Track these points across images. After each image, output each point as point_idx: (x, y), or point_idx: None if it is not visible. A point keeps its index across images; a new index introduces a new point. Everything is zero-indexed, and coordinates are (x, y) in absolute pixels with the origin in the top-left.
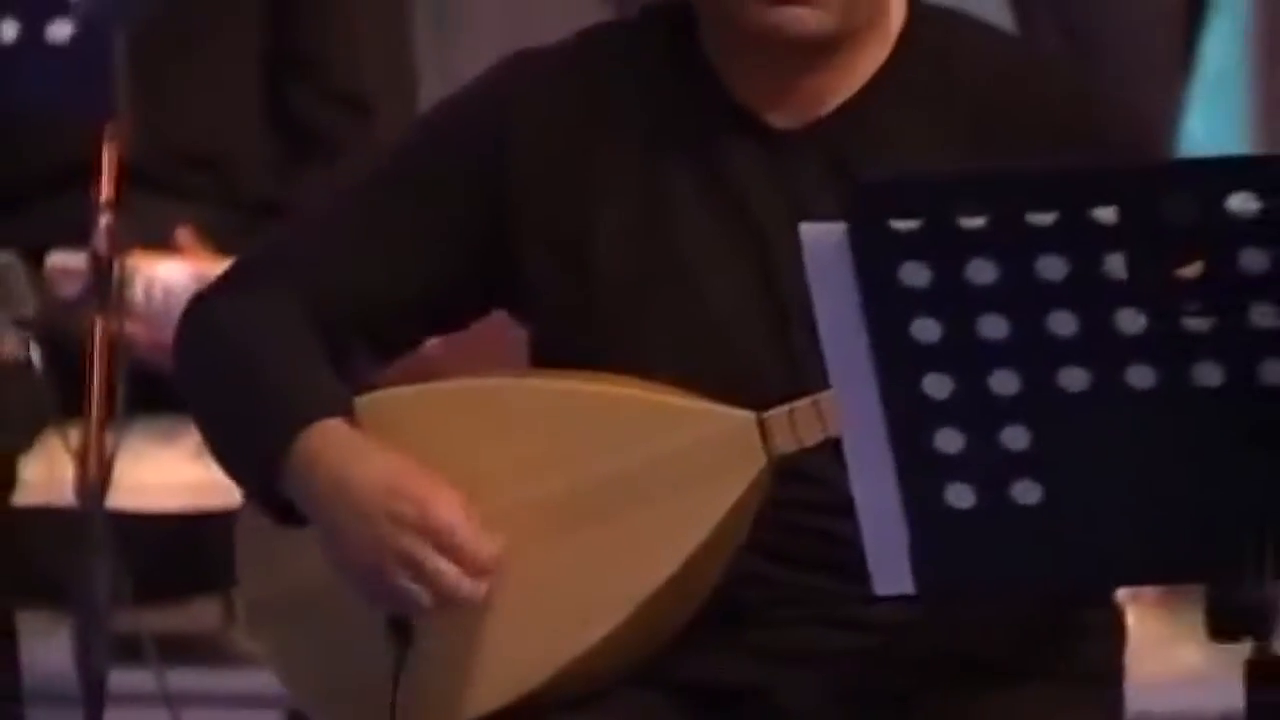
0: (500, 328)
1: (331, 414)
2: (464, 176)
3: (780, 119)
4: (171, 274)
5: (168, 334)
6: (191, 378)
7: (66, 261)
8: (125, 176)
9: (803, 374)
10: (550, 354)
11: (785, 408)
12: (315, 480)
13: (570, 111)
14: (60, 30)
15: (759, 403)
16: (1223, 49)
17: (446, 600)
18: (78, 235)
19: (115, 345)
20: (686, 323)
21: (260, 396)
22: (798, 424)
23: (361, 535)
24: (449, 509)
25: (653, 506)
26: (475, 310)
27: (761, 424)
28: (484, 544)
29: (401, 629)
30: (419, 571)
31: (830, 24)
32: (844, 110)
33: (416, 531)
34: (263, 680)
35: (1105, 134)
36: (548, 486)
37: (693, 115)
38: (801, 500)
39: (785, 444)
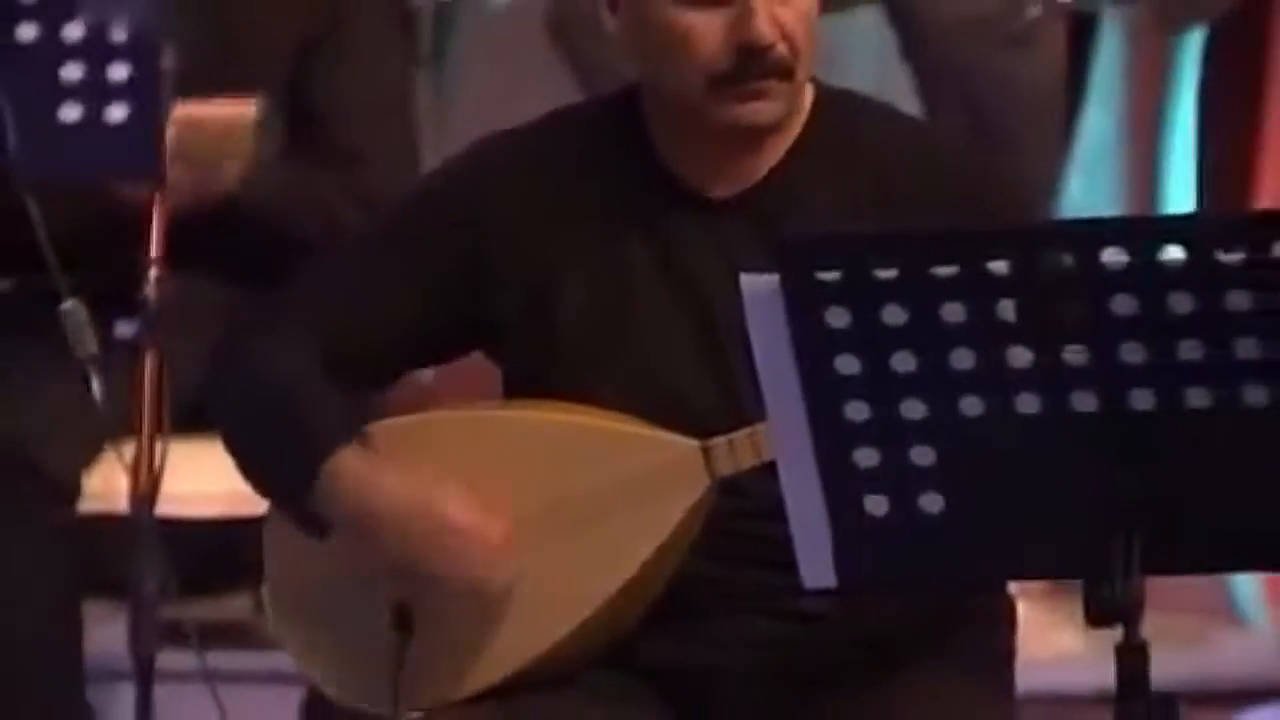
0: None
1: (347, 441)
2: (447, 245)
3: (716, 190)
4: (201, 111)
5: (202, 171)
6: (224, 410)
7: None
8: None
9: (739, 408)
10: (519, 389)
11: (725, 438)
12: (347, 504)
13: (535, 188)
14: (117, 112)
15: (703, 433)
16: (1098, 125)
17: (476, 583)
18: (131, 285)
19: (162, 374)
20: (640, 366)
21: (285, 435)
22: (736, 451)
23: (398, 544)
24: (466, 510)
25: (613, 520)
26: (457, 352)
27: (705, 451)
28: (495, 531)
29: (404, 620)
30: (461, 570)
31: (781, 113)
32: (769, 180)
33: (451, 534)
34: (287, 661)
35: (988, 201)
36: (525, 502)
37: (641, 189)
38: (737, 510)
39: (725, 468)
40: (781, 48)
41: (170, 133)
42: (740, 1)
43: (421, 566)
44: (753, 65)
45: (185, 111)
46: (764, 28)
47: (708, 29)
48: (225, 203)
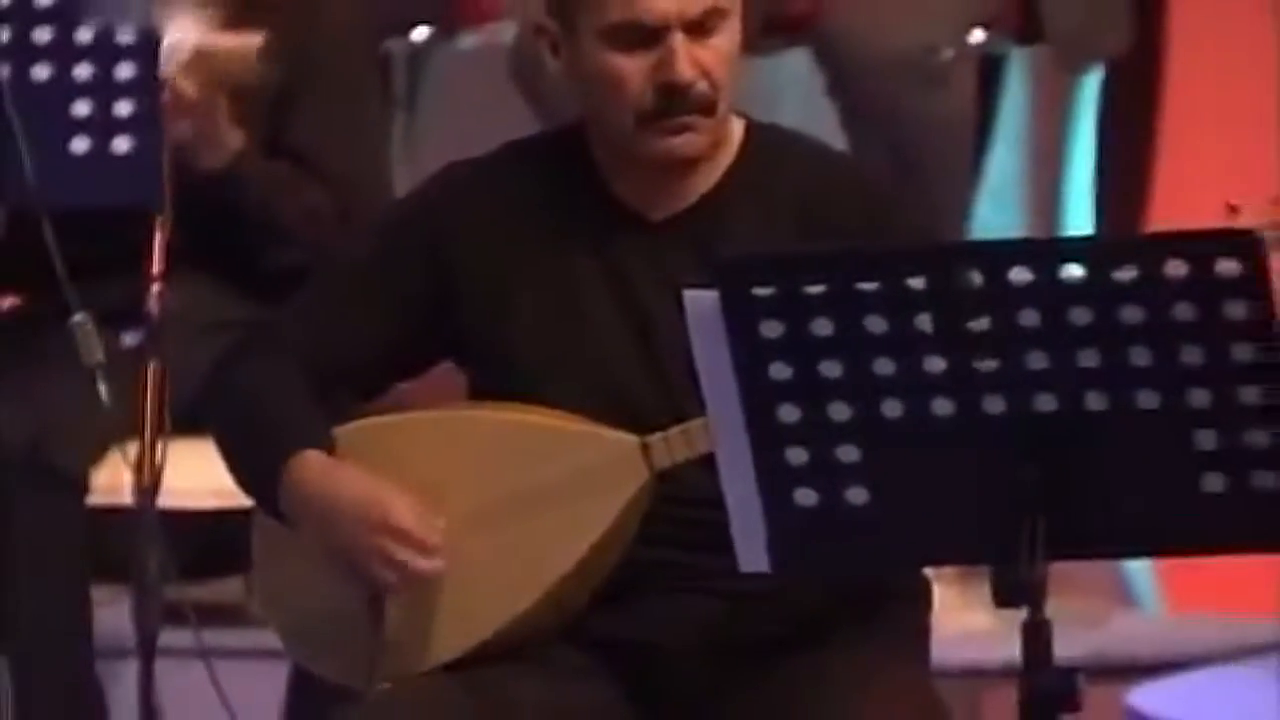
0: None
1: (311, 446)
2: (417, 265)
3: (654, 213)
4: (212, 41)
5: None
6: (214, 417)
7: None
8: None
9: (677, 407)
10: (482, 392)
11: (662, 434)
12: (303, 499)
13: (494, 212)
14: (121, 144)
15: (643, 428)
16: (1005, 157)
17: (411, 578)
18: (135, 300)
19: (163, 381)
20: (587, 370)
21: (259, 438)
22: (671, 446)
23: (343, 537)
24: (403, 511)
25: (562, 509)
26: (428, 363)
27: (644, 446)
28: (429, 531)
29: (376, 603)
30: (387, 560)
31: (705, 144)
32: (701, 204)
33: (382, 532)
34: (275, 640)
35: (898, 226)
36: (484, 493)
37: (587, 212)
38: (680, 500)
39: (662, 461)
40: (702, 85)
41: (186, 58)
42: (663, 46)
43: (363, 560)
44: (676, 102)
45: (198, 42)
46: (684, 68)
47: (634, 71)
48: (216, 182)
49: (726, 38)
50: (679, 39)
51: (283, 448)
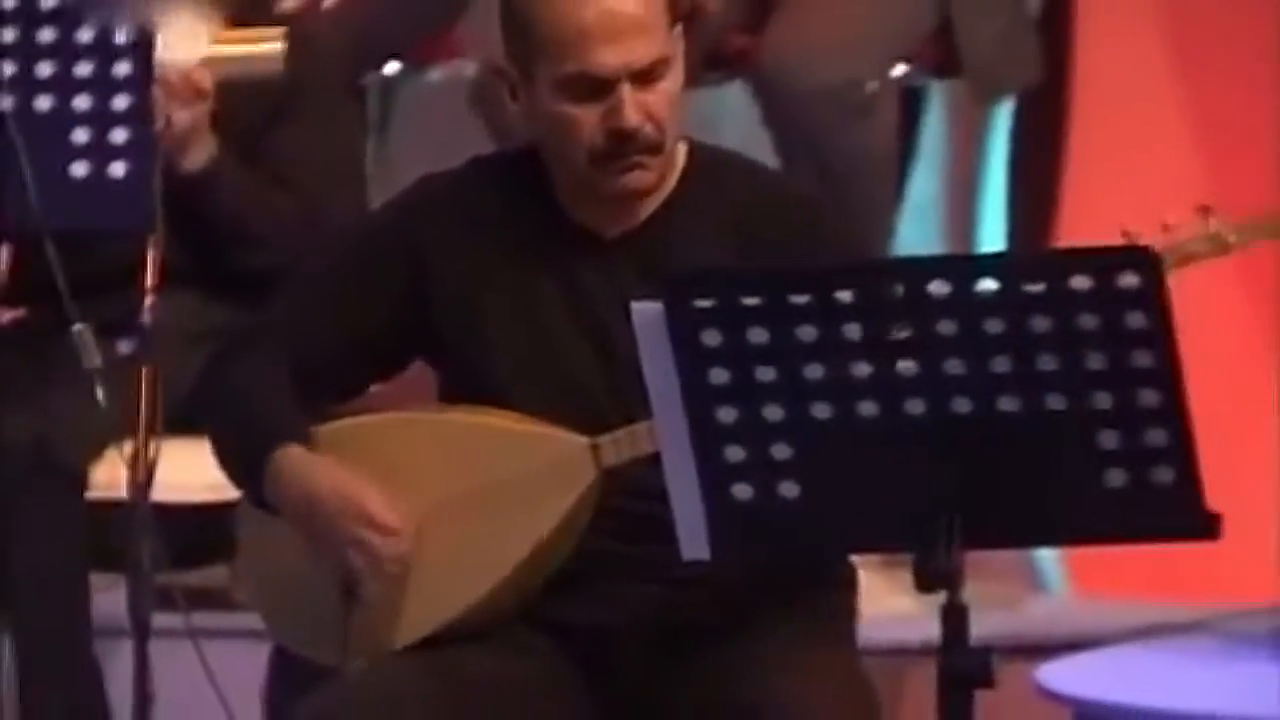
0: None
1: (291, 441)
2: (391, 271)
3: (607, 232)
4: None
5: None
6: (206, 414)
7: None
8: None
9: (628, 408)
10: (451, 392)
11: (609, 435)
12: (285, 489)
13: (464, 225)
14: (117, 169)
15: (597, 429)
16: (924, 180)
17: (377, 558)
18: (130, 311)
19: (156, 385)
20: (547, 376)
21: (246, 434)
22: (619, 446)
23: (320, 523)
24: (374, 500)
25: (521, 503)
26: (403, 364)
27: (594, 447)
28: (391, 517)
29: (350, 588)
30: (359, 544)
31: (654, 180)
32: (649, 223)
33: (355, 518)
34: (257, 622)
35: (827, 242)
36: (449, 488)
37: (545, 230)
38: (627, 494)
39: (609, 460)
40: (648, 129)
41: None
42: (612, 95)
43: (337, 544)
44: (625, 145)
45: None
46: (631, 115)
47: (586, 118)
48: (192, 185)
49: (670, 81)
50: (626, 89)
51: (267, 443)
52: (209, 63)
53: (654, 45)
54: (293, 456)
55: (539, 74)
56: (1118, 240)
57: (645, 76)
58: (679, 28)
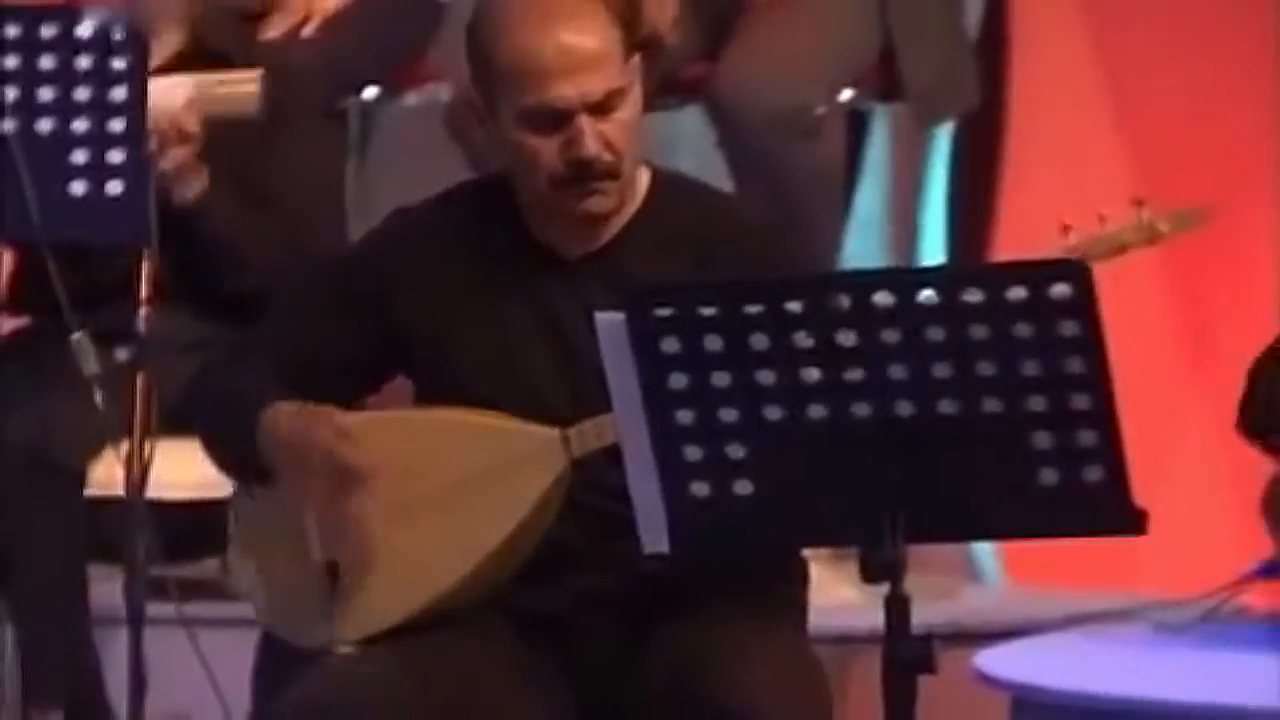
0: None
1: (274, 399)
2: (370, 294)
3: (571, 252)
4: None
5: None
6: (195, 416)
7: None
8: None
9: (592, 412)
10: (426, 398)
11: (577, 427)
12: (275, 443)
13: (436, 253)
14: (115, 187)
15: (561, 426)
16: (869, 198)
17: (336, 461)
18: (126, 321)
19: (150, 389)
20: (514, 380)
21: (235, 417)
22: (585, 437)
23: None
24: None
25: (493, 492)
26: (384, 378)
27: (564, 438)
28: (341, 419)
29: (333, 572)
30: (322, 453)
31: (613, 203)
32: (611, 244)
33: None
34: (247, 609)
35: (778, 259)
36: (429, 479)
37: (514, 250)
38: (592, 492)
39: (578, 449)
40: (606, 156)
41: (189, 94)
42: (570, 126)
43: (309, 456)
44: (583, 173)
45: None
46: (589, 145)
47: (546, 147)
48: (186, 215)
49: (627, 110)
50: (584, 119)
51: (255, 411)
52: (192, 105)
53: (609, 78)
54: (274, 410)
55: (502, 106)
56: (1054, 240)
57: (602, 107)
58: (635, 59)
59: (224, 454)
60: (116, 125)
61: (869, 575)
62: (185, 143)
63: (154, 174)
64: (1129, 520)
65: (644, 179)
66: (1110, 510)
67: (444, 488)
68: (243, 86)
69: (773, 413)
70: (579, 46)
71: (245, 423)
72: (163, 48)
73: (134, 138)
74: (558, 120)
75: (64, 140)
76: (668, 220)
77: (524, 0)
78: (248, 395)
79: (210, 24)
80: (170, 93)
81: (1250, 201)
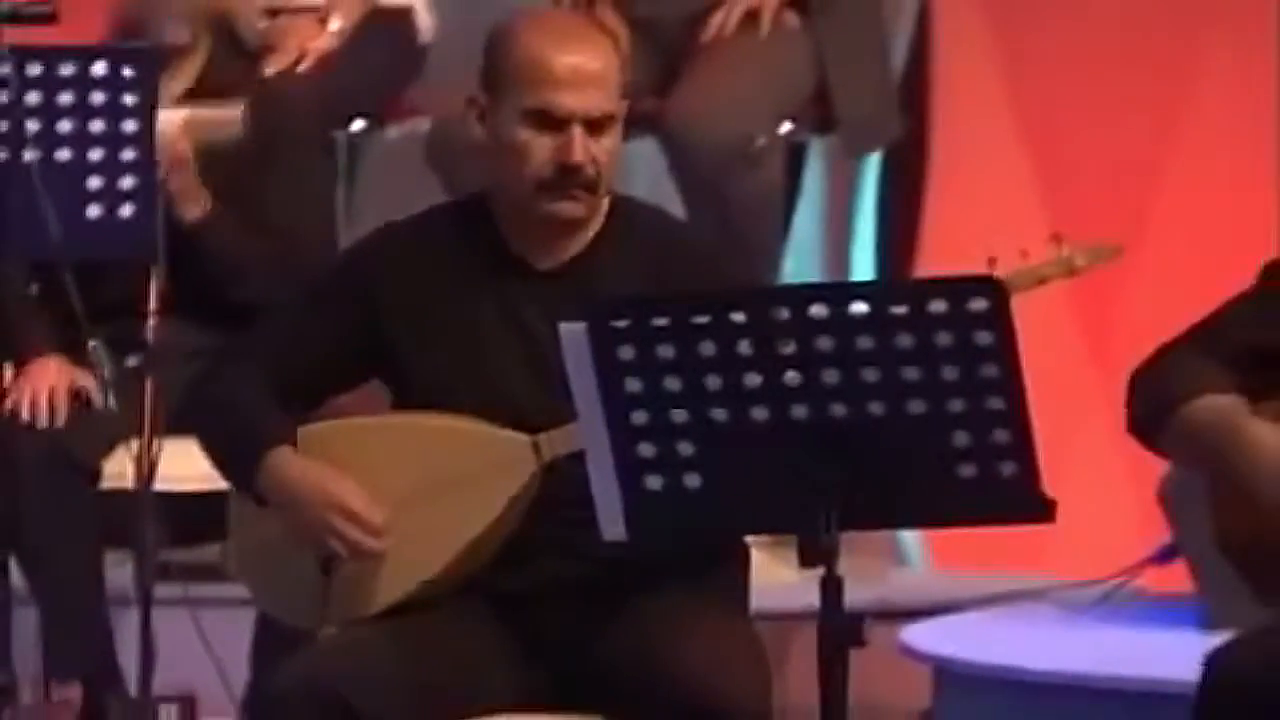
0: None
1: (281, 443)
2: (354, 304)
3: (541, 265)
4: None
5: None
6: (196, 421)
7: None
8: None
9: (558, 413)
10: (404, 403)
11: (546, 434)
12: (277, 484)
13: (417, 264)
14: (126, 210)
15: (531, 430)
16: (805, 220)
17: (360, 553)
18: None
19: (157, 393)
20: (488, 385)
21: (238, 438)
22: (554, 443)
23: (308, 515)
24: (356, 498)
25: (471, 493)
26: (361, 380)
27: (534, 443)
28: (375, 515)
29: (327, 566)
30: (341, 537)
31: (584, 212)
32: (579, 258)
33: (338, 514)
34: (245, 592)
35: (725, 275)
36: (408, 480)
37: (489, 263)
38: (557, 486)
39: (547, 454)
40: (590, 169)
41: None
42: (565, 133)
43: (322, 535)
44: (567, 177)
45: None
46: (579, 153)
47: (539, 146)
48: (193, 232)
49: (612, 139)
50: (578, 130)
51: (258, 445)
52: (185, 130)
53: (607, 101)
54: (282, 456)
55: (507, 102)
56: (980, 267)
57: (595, 126)
58: (625, 102)
59: (221, 467)
60: (128, 154)
61: (806, 560)
62: (180, 167)
63: (162, 198)
64: (1039, 510)
65: (605, 202)
66: (1022, 501)
67: (426, 488)
68: (229, 114)
69: (719, 414)
70: (586, 66)
71: (245, 452)
72: (176, 78)
73: (143, 166)
74: (556, 124)
75: (81, 168)
76: (627, 240)
77: (548, 18)
78: (249, 426)
79: (214, 62)
80: (167, 121)
81: (1143, 220)
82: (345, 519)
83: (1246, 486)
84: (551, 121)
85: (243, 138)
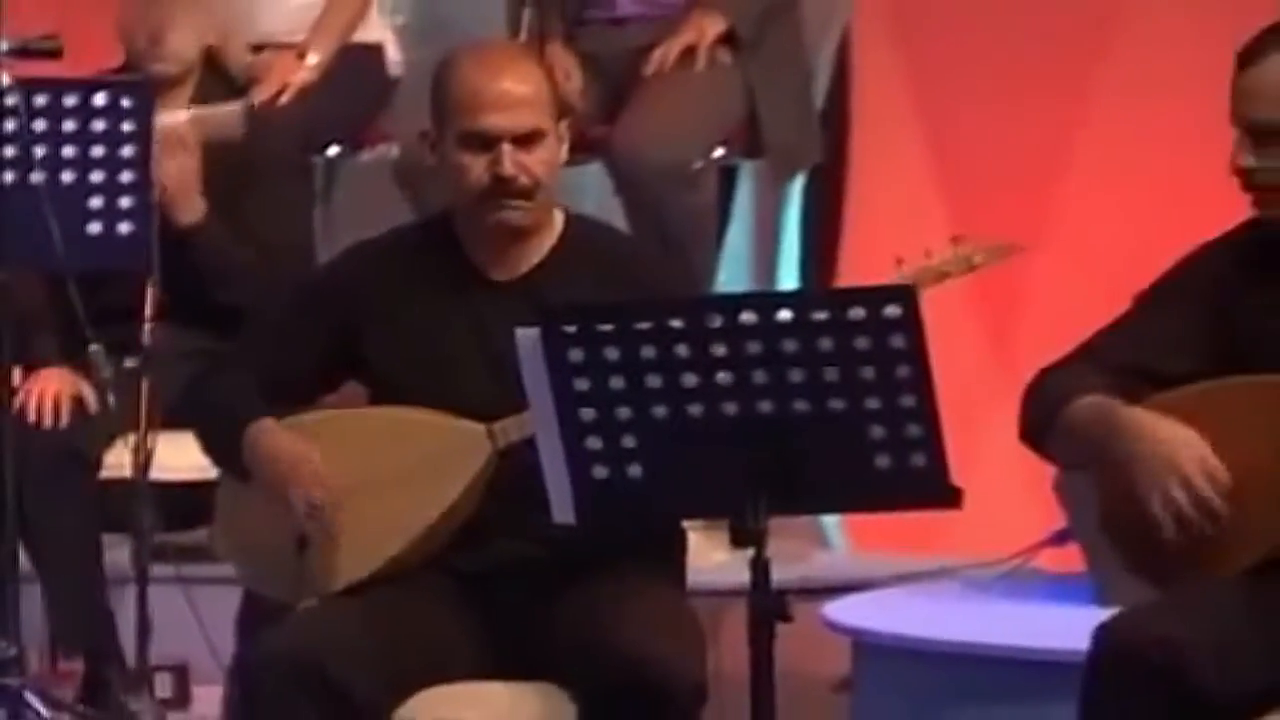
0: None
1: (257, 418)
2: (331, 314)
3: (500, 276)
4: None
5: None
6: (191, 418)
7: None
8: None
9: (515, 410)
10: (377, 399)
11: (500, 423)
12: (255, 451)
13: (388, 277)
14: (124, 227)
15: (488, 421)
16: (737, 236)
17: (313, 514)
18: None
19: (153, 392)
20: (449, 384)
21: (225, 422)
22: (508, 430)
23: (279, 471)
24: (311, 474)
25: (432, 477)
26: (338, 383)
27: (489, 431)
28: (327, 476)
29: (303, 543)
30: (303, 502)
31: (528, 219)
32: (533, 271)
33: (304, 465)
34: (231, 570)
35: (665, 285)
36: (375, 466)
37: (452, 275)
38: (511, 470)
39: (500, 441)
40: (522, 179)
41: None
42: (495, 150)
43: (289, 489)
44: (499, 188)
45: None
46: (508, 166)
47: (476, 164)
48: (187, 236)
49: (544, 150)
50: (507, 147)
51: (240, 424)
52: (191, 123)
53: (534, 118)
54: (262, 425)
55: (447, 130)
56: (891, 266)
57: (524, 141)
58: (564, 123)
59: (212, 454)
60: (126, 177)
61: (737, 542)
62: (181, 152)
63: (156, 211)
64: (947, 497)
65: (559, 220)
66: (932, 489)
67: (391, 473)
68: (230, 110)
69: (659, 410)
70: (513, 90)
71: (232, 436)
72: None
73: (140, 187)
74: (487, 143)
75: (83, 189)
76: (578, 253)
77: (482, 51)
78: (233, 410)
79: (203, 92)
80: (173, 116)
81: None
82: (310, 470)
83: (1126, 467)
84: (484, 141)
85: (244, 131)
